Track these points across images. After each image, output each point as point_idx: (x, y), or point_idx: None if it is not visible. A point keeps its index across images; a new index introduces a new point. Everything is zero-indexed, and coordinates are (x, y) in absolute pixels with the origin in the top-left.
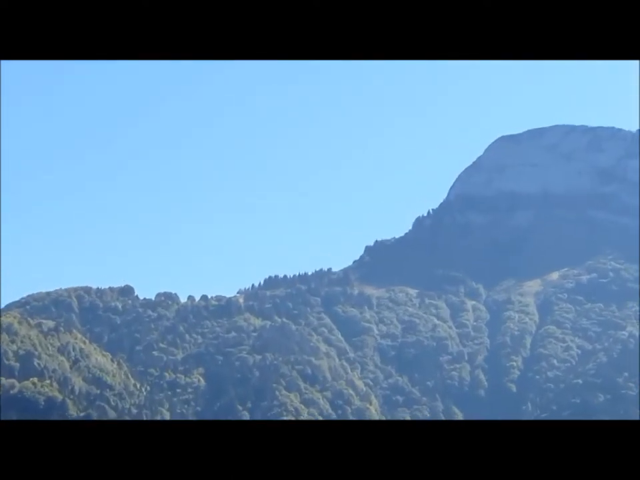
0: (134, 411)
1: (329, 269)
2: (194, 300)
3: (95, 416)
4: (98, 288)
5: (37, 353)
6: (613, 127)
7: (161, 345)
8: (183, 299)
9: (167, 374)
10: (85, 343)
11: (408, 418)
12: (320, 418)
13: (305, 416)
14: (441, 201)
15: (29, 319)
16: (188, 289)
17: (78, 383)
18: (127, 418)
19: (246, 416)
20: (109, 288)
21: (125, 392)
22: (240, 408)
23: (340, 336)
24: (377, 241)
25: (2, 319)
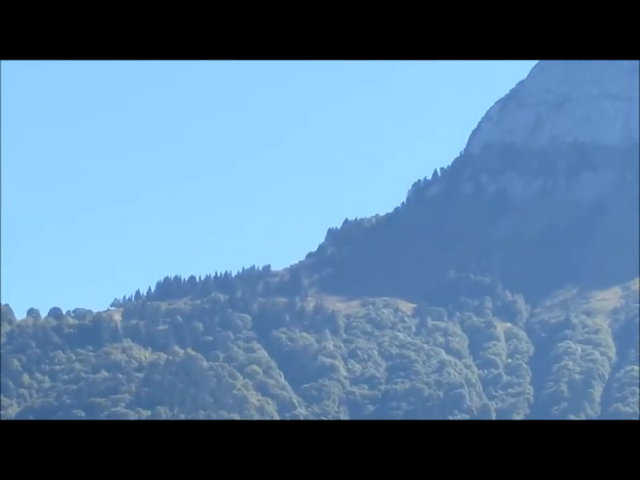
0: None
1: (267, 267)
2: (38, 317)
3: None
4: None
5: None
6: None
7: None
8: (20, 315)
9: None
10: None
11: None
12: None
13: None
14: (457, 155)
15: None
16: (28, 299)
17: None
18: None
19: None
20: None
21: None
22: None
23: (283, 379)
24: (347, 220)
25: None
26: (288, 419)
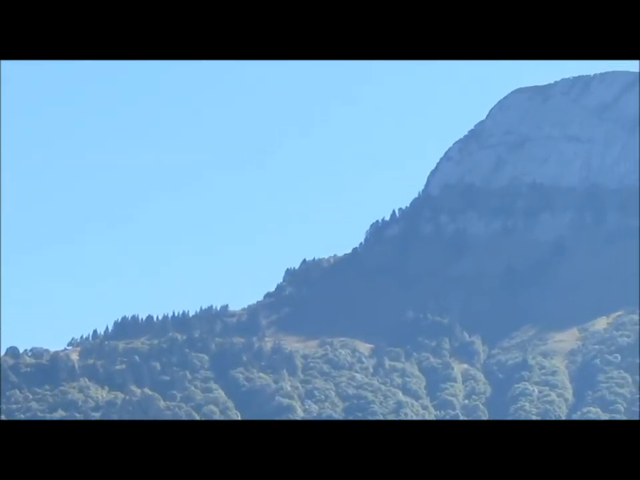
0: None
1: (224, 307)
2: None
3: None
4: None
5: None
6: None
7: None
8: None
9: None
10: None
11: None
12: None
13: None
14: (415, 195)
15: None
16: None
17: None
18: None
19: None
20: None
21: None
22: None
23: (240, 419)
24: (305, 260)
25: None
26: None
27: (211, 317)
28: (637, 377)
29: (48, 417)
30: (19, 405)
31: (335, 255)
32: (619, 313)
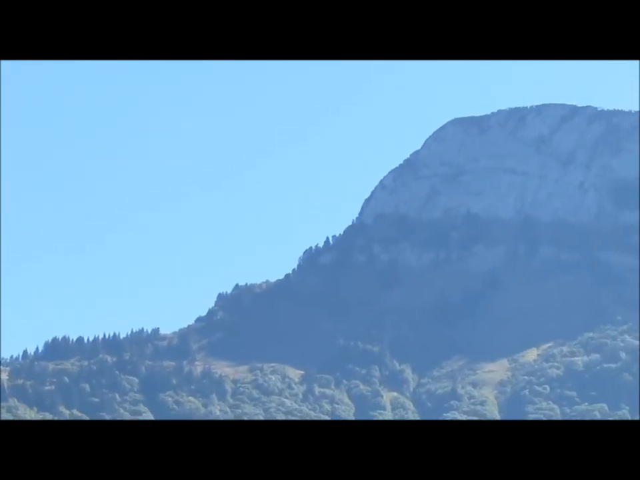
0: None
1: (156, 330)
2: None
3: None
4: None
5: None
6: None
7: None
8: None
9: None
10: None
11: None
12: None
13: None
14: (349, 223)
15: None
16: None
17: None
18: None
19: None
20: None
21: None
22: None
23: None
24: (237, 285)
25: None
26: None
27: (141, 340)
28: (566, 408)
29: None
30: None
31: (267, 281)
32: (549, 344)
